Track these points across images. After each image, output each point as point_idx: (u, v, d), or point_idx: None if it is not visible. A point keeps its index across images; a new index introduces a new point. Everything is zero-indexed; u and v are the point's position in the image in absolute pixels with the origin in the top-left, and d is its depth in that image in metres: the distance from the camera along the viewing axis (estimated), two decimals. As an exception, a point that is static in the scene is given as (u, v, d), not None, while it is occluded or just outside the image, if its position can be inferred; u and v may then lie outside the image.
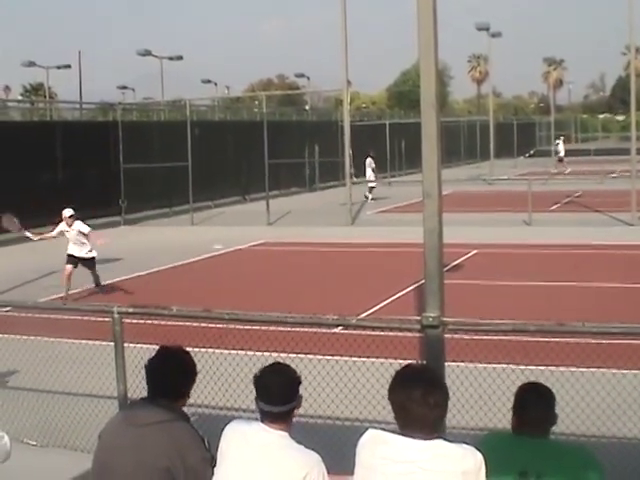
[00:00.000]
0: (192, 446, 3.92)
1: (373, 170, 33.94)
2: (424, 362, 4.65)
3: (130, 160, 26.86)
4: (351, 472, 3.57)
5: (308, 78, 54.55)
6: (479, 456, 3.38)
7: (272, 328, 9.10)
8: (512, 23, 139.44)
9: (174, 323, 8.70)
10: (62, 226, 14.14)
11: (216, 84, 57.91)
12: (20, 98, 63.34)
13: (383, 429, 3.52)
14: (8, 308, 11.09)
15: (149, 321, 9.26)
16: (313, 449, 3.75)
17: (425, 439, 3.35)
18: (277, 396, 3.75)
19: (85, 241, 14.03)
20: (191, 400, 4.34)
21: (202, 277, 16.39)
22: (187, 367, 4.19)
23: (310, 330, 8.68)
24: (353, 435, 3.73)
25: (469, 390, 6.78)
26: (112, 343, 5.79)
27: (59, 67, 52.40)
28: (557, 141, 52.96)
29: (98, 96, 51.07)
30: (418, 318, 4.82)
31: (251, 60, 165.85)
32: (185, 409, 4.18)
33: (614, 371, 8.02)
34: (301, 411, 3.91)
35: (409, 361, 3.91)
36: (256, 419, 3.86)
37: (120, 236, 23.75)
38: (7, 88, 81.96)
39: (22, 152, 23.72)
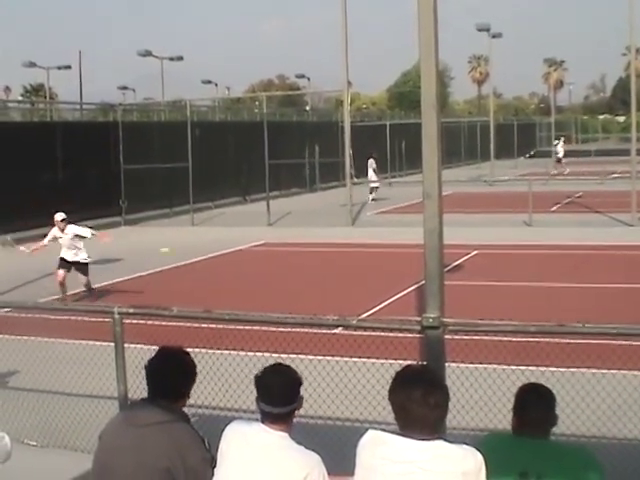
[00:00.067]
0: (192, 446, 3.92)
1: (374, 170, 33.91)
2: (424, 363, 4.65)
3: (130, 161, 26.86)
4: (351, 473, 3.57)
5: (308, 79, 54.59)
6: (479, 457, 3.38)
7: (272, 329, 9.10)
8: (512, 24, 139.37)
9: (174, 324, 8.70)
10: (54, 231, 13.85)
11: (216, 85, 57.90)
12: (20, 99, 63.33)
13: (383, 430, 3.52)
14: (8, 308, 11.12)
15: (149, 322, 9.25)
16: (313, 450, 3.76)
17: (425, 440, 3.35)
18: (278, 397, 3.75)
19: (80, 246, 13.81)
20: (191, 401, 4.35)
21: (202, 277, 16.39)
22: (187, 368, 4.20)
23: (310, 331, 8.68)
24: (353, 436, 3.73)
25: (469, 391, 6.78)
26: (112, 344, 5.79)
27: (59, 68, 52.40)
28: (556, 141, 52.99)
29: (98, 96, 51.13)
30: (418, 319, 4.82)
31: (251, 60, 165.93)
32: (185, 410, 4.19)
33: (614, 372, 8.02)
34: (301, 412, 3.91)
35: (409, 362, 3.92)
36: (256, 420, 3.86)
37: (120, 236, 23.72)
38: (7, 89, 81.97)
39: (22, 153, 23.73)
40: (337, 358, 8.47)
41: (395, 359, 6.59)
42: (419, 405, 3.35)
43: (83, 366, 8.54)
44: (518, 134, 63.74)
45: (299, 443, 3.76)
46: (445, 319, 4.73)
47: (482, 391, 6.83)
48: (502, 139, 55.92)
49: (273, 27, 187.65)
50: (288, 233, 22.85)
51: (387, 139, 43.91)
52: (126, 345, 5.79)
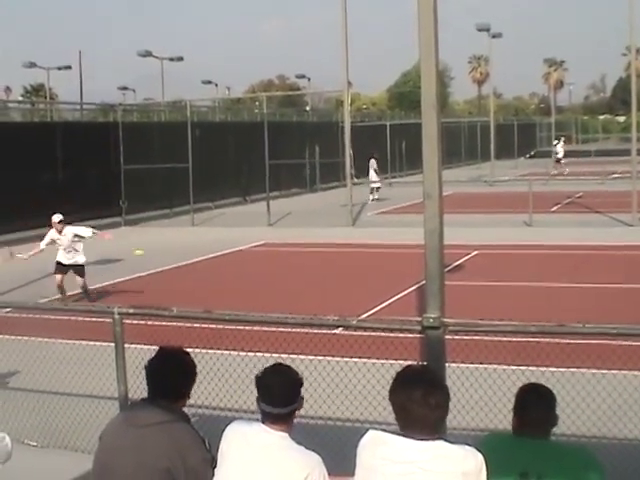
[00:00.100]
0: (192, 447, 3.92)
1: (375, 171, 33.87)
2: (425, 363, 4.65)
3: (131, 161, 26.88)
4: (352, 473, 3.57)
5: (309, 79, 54.63)
6: (480, 457, 3.38)
7: (273, 329, 9.10)
8: (512, 24, 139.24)
9: (175, 324, 8.69)
10: (52, 234, 13.62)
11: (217, 85, 57.93)
12: (21, 99, 63.34)
13: (384, 430, 3.52)
14: (9, 309, 11.13)
15: (150, 322, 9.25)
16: (314, 450, 3.76)
17: (426, 440, 3.35)
18: (278, 397, 3.75)
19: (79, 248, 13.71)
20: (192, 401, 4.34)
21: (203, 278, 16.39)
22: (187, 368, 4.19)
23: (311, 331, 8.68)
24: (354, 436, 3.73)
25: (470, 391, 6.78)
26: (113, 344, 5.79)
27: (60, 68, 52.43)
28: (556, 142, 53.01)
29: (99, 97, 51.22)
30: (419, 319, 4.82)
31: (251, 60, 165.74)
32: (185, 410, 4.19)
33: (615, 372, 8.02)
34: (302, 412, 3.91)
35: (410, 362, 3.91)
36: (257, 420, 3.86)
37: (121, 237, 23.73)
38: (8, 89, 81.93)
39: (23, 153, 23.74)
40: (337, 358, 8.48)
41: (395, 359, 6.59)
42: (420, 405, 3.35)
43: (83, 366, 8.54)
44: (518, 134, 63.72)
45: (299, 443, 3.76)
46: (445, 319, 4.73)
47: (482, 391, 6.83)
48: (502, 139, 55.91)
49: (273, 27, 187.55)
50: (288, 233, 22.85)
51: (387, 139, 43.90)
52: (126, 345, 5.79)
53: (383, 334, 7.79)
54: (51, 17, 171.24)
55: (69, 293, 13.74)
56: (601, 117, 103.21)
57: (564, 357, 8.00)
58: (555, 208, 27.40)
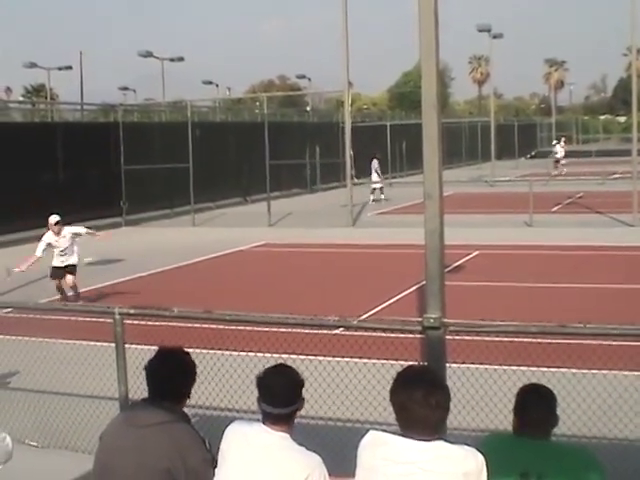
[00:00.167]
0: (193, 447, 3.92)
1: (377, 171, 33.82)
2: (425, 363, 4.65)
3: (131, 161, 26.89)
4: (352, 474, 3.56)
5: (309, 79, 54.65)
6: (480, 457, 3.38)
7: (273, 329, 9.11)
8: (513, 24, 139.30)
9: (175, 324, 8.69)
10: (49, 237, 13.36)
11: (217, 85, 57.94)
12: (21, 99, 63.35)
13: (384, 430, 3.52)
14: (9, 309, 11.13)
15: (150, 322, 9.26)
16: (314, 451, 3.75)
17: (426, 440, 3.35)
18: (279, 398, 3.75)
19: (75, 249, 13.56)
20: (192, 401, 4.34)
21: (203, 278, 16.40)
22: (187, 368, 4.19)
23: (311, 331, 8.67)
24: (354, 437, 3.73)
25: (470, 391, 6.78)
26: (113, 344, 5.79)
27: (60, 68, 52.47)
28: (554, 142, 53.03)
29: (99, 97, 51.24)
30: (419, 319, 4.82)
31: (252, 60, 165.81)
32: (186, 410, 4.18)
33: (615, 372, 8.01)
34: (302, 412, 3.91)
35: (410, 362, 3.91)
36: (257, 420, 3.85)
37: (121, 237, 23.76)
38: (8, 89, 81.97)
39: (23, 153, 23.75)
40: (338, 359, 8.47)
41: (396, 360, 6.59)
42: (420, 406, 3.35)
43: (84, 367, 8.54)
44: (519, 134, 63.73)
45: (300, 444, 3.76)
46: (446, 320, 4.73)
47: (483, 392, 6.82)
48: (503, 139, 55.94)
49: (273, 27, 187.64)
50: (289, 234, 22.86)
51: (388, 139, 43.91)
52: (127, 346, 5.79)
53: (383, 334, 7.78)
54: (51, 17, 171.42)
55: (69, 294, 13.73)
56: (602, 117, 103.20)
57: (565, 358, 7.99)
58: (556, 208, 27.40)
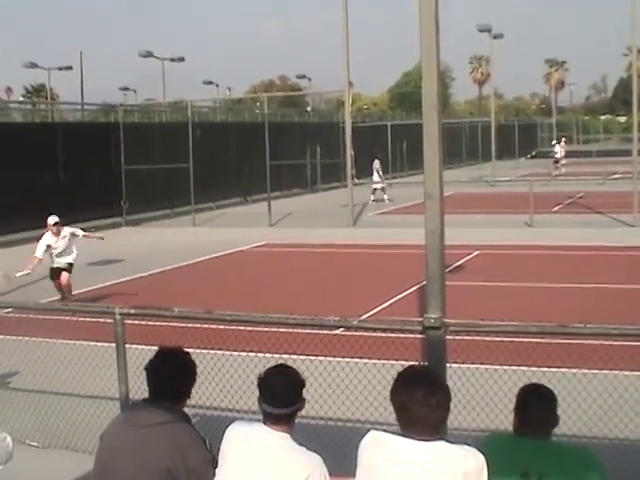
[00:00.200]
0: (193, 447, 3.92)
1: (378, 172, 33.81)
2: (426, 363, 4.65)
3: (132, 161, 26.89)
4: (353, 474, 3.57)
5: (310, 79, 54.61)
6: (481, 457, 3.38)
7: (273, 329, 9.11)
8: (513, 24, 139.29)
9: (176, 324, 8.69)
10: (48, 238, 13.20)
11: (217, 85, 57.94)
12: (22, 99, 63.37)
13: (385, 430, 3.52)
14: (10, 309, 11.13)
15: (151, 322, 9.27)
16: (315, 451, 3.75)
17: (427, 440, 3.35)
18: (280, 398, 3.75)
19: (74, 249, 13.45)
20: (193, 401, 4.34)
21: (204, 278, 16.40)
22: (187, 368, 4.19)
23: (311, 331, 8.68)
24: (355, 437, 3.73)
25: (471, 391, 6.78)
26: (114, 344, 5.79)
27: (61, 68, 52.47)
28: (554, 142, 53.06)
29: (100, 97, 51.25)
30: (420, 319, 4.82)
31: (252, 60, 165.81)
32: (187, 410, 4.19)
33: (616, 372, 8.02)
34: (302, 412, 3.91)
35: (411, 362, 3.91)
36: (258, 420, 3.85)
37: (122, 237, 23.78)
38: (9, 89, 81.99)
39: (24, 153, 23.75)
40: (338, 359, 8.48)
41: (396, 360, 6.59)
42: (421, 406, 3.35)
43: (84, 367, 8.55)
44: (519, 135, 63.75)
45: (301, 444, 3.76)
46: (446, 320, 4.73)
47: (483, 392, 6.82)
48: (503, 140, 55.95)
49: (273, 27, 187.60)
50: (289, 234, 22.86)
51: (388, 140, 43.93)
52: (127, 346, 5.79)
53: (384, 334, 7.79)
54: (52, 17, 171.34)
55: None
56: (602, 117, 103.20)
57: (565, 358, 8.00)
58: (556, 208, 27.39)
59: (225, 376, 6.92)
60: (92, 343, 10.10)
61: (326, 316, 5.35)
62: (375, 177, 33.44)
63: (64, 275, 13.30)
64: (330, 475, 3.73)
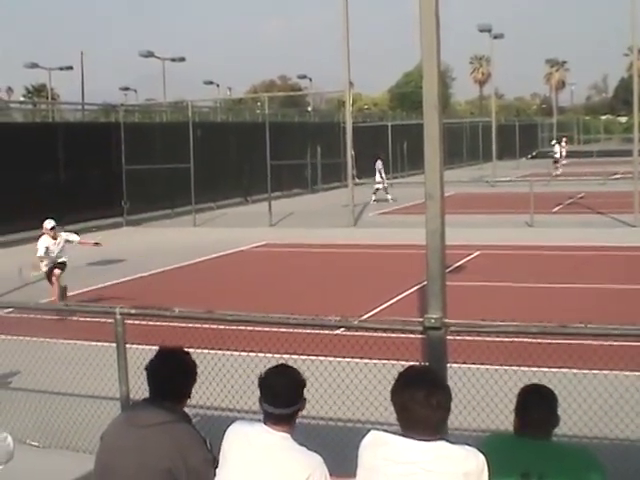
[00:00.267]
0: (194, 447, 3.92)
1: (379, 172, 33.80)
2: (426, 363, 4.65)
3: (132, 161, 26.90)
4: (353, 474, 3.57)
5: (310, 79, 54.58)
6: (481, 457, 3.38)
7: (274, 329, 9.11)
8: (514, 24, 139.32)
9: (176, 324, 8.69)
10: (46, 241, 13.09)
11: (218, 85, 57.91)
12: (22, 99, 63.38)
13: (385, 430, 3.52)
14: (10, 309, 11.13)
15: (151, 322, 9.27)
16: (315, 451, 3.75)
17: (427, 440, 3.35)
18: (281, 398, 3.75)
19: (67, 252, 13.34)
20: (193, 401, 4.34)
21: (204, 278, 16.40)
22: (187, 368, 4.19)
23: (312, 331, 8.68)
24: (355, 437, 3.73)
25: (471, 392, 6.78)
26: (114, 344, 5.79)
27: (61, 68, 52.49)
28: (553, 142, 53.07)
29: (100, 97, 51.21)
30: (420, 320, 4.82)
31: (253, 61, 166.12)
32: (187, 410, 4.19)
33: (616, 373, 8.01)
34: (303, 412, 3.91)
35: (411, 363, 3.91)
36: (259, 420, 3.86)
37: (122, 237, 23.79)
38: (10, 89, 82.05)
39: (24, 153, 23.75)
40: (339, 359, 8.47)
41: (397, 360, 6.59)
42: (421, 406, 3.35)
43: (85, 367, 8.54)
44: (520, 135, 63.74)
45: (301, 444, 3.76)
46: (447, 320, 4.73)
47: (484, 392, 6.82)
48: (504, 140, 55.93)
49: (274, 27, 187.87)
50: (290, 234, 22.85)
51: (389, 140, 43.91)
52: (128, 346, 5.79)
53: (384, 335, 7.79)
54: (52, 17, 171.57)
55: (70, 293, 13.72)
56: (603, 117, 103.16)
57: (566, 358, 7.99)
58: (557, 209, 27.39)
59: (226, 376, 6.92)
60: (93, 343, 10.10)
61: (327, 316, 5.35)
62: (377, 177, 33.44)
63: (57, 271, 13.13)
64: (331, 475, 3.73)
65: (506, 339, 8.69)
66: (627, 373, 8.13)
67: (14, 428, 6.33)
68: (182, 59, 47.81)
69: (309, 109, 56.84)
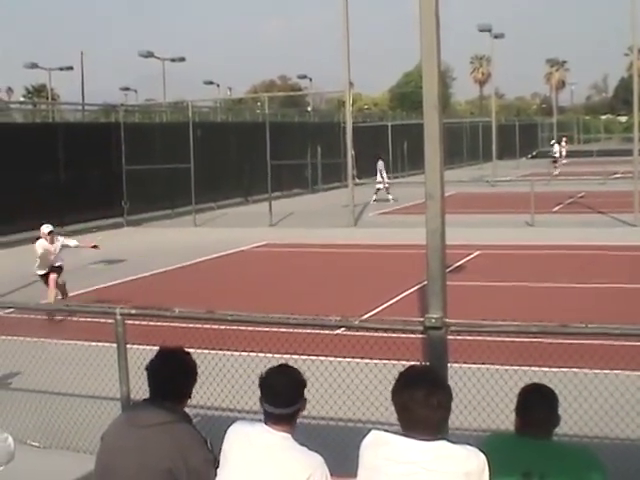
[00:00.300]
0: (194, 447, 3.92)
1: (380, 172, 33.79)
2: (427, 363, 4.65)
3: (132, 161, 26.90)
4: (354, 474, 3.57)
5: (310, 79, 54.58)
6: (482, 457, 3.38)
7: (275, 329, 9.11)
8: (514, 24, 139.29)
9: (177, 324, 8.70)
10: (44, 244, 12.90)
11: (218, 85, 57.92)
12: (22, 100, 63.40)
13: (386, 430, 3.52)
14: (11, 309, 11.14)
15: (152, 322, 9.26)
16: (316, 451, 3.75)
17: (428, 440, 3.35)
18: (281, 398, 3.75)
19: (63, 257, 13.17)
20: (194, 401, 4.34)
21: (205, 278, 16.40)
22: (188, 368, 4.19)
23: (313, 331, 8.68)
24: (356, 437, 3.73)
25: (472, 391, 6.77)
26: (115, 344, 5.79)
27: (61, 69, 52.48)
28: (552, 142, 53.08)
29: (100, 97, 51.23)
30: (421, 319, 4.82)
31: (253, 61, 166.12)
32: (187, 410, 4.18)
33: (617, 372, 8.01)
34: (304, 412, 3.91)
35: (412, 362, 3.91)
36: (259, 420, 3.85)
37: (123, 237, 23.79)
38: (10, 90, 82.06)
39: (25, 153, 23.75)
40: (339, 359, 8.47)
41: (397, 360, 6.59)
42: (421, 406, 3.35)
43: (85, 367, 8.55)
44: (520, 134, 63.73)
45: (302, 444, 3.76)
46: (447, 319, 4.73)
47: (485, 391, 6.82)
48: (504, 139, 55.93)
49: (274, 27, 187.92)
50: (290, 234, 22.85)
51: (389, 140, 43.91)
52: (128, 346, 5.79)
53: (385, 334, 7.79)
54: (52, 17, 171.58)
55: (70, 294, 13.71)
56: (603, 117, 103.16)
57: (566, 357, 7.99)
58: (557, 208, 27.38)
59: (226, 376, 6.92)
60: (93, 343, 10.10)
61: (327, 316, 5.35)
62: (378, 177, 33.46)
63: (52, 275, 12.96)
64: (331, 475, 3.72)
65: (507, 339, 8.69)
66: (628, 373, 8.13)
67: (15, 428, 6.33)
68: (182, 59, 47.82)
69: (309, 109, 56.79)
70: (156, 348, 4.34)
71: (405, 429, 3.41)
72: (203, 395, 6.02)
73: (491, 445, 3.69)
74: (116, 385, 5.89)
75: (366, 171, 34.10)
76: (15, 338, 10.59)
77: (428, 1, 4.74)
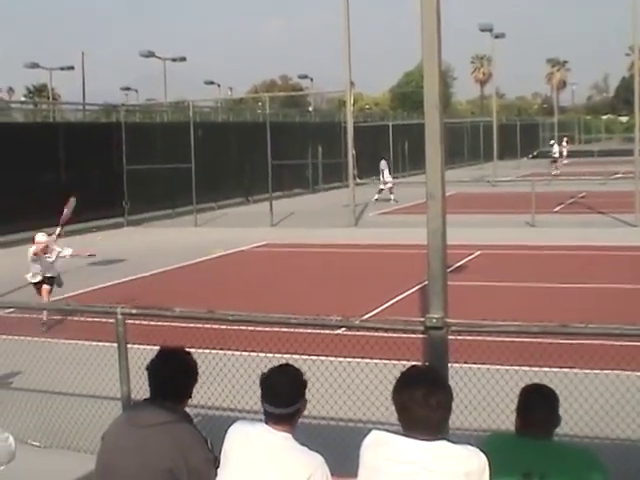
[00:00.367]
0: (195, 447, 3.92)
1: (382, 172, 33.78)
2: (427, 363, 4.65)
3: (133, 161, 26.90)
4: (355, 474, 3.56)
5: (311, 79, 54.60)
6: (483, 457, 3.38)
7: (275, 329, 9.11)
8: (515, 24, 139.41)
9: (177, 324, 8.69)
10: (35, 249, 12.37)
11: (219, 85, 57.92)
12: (23, 99, 63.40)
13: (387, 430, 3.52)
14: (12, 309, 11.14)
15: (152, 322, 9.27)
16: (317, 451, 3.75)
17: (429, 440, 3.35)
18: (281, 397, 3.74)
19: (57, 266, 12.81)
20: (194, 401, 4.34)
21: (205, 278, 16.40)
22: (188, 367, 4.19)
23: (313, 331, 8.68)
24: (357, 436, 3.73)
25: (472, 391, 6.77)
26: (115, 344, 5.79)
27: (62, 68, 52.51)
28: (552, 142, 53.07)
29: (101, 97, 51.21)
30: (422, 319, 4.82)
31: (253, 61, 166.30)
32: (188, 410, 4.18)
33: (617, 372, 8.01)
34: (304, 412, 3.91)
35: (413, 363, 3.91)
36: (260, 420, 3.85)
37: (123, 237, 23.80)
38: (10, 90, 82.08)
39: (25, 153, 23.76)
40: (340, 359, 8.47)
41: (398, 360, 6.60)
42: (420, 406, 3.35)
43: (86, 367, 8.54)
44: (521, 134, 63.74)
45: (302, 444, 3.75)
46: (448, 319, 4.73)
47: (485, 391, 6.82)
48: (505, 139, 55.95)
49: (274, 27, 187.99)
50: (291, 234, 22.85)
51: (390, 140, 43.89)
52: (129, 346, 5.79)
53: (386, 334, 7.78)
54: (52, 17, 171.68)
55: (71, 293, 13.71)
56: (604, 117, 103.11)
57: (567, 358, 7.99)
58: (558, 208, 27.38)
59: (227, 376, 6.92)
60: (94, 343, 10.10)
61: (328, 316, 5.35)
62: (382, 177, 33.48)
63: (45, 286, 12.50)
64: (332, 475, 3.72)
65: (507, 339, 8.69)
66: (628, 373, 8.12)
67: (15, 428, 6.33)
68: (183, 59, 47.83)
69: (310, 109, 56.80)
70: (157, 348, 4.34)
71: (405, 429, 3.41)
72: (204, 395, 6.02)
73: (491, 445, 3.68)
74: (117, 385, 5.89)
75: (367, 171, 34.04)
76: (16, 338, 10.60)
77: (429, 0, 4.73)
